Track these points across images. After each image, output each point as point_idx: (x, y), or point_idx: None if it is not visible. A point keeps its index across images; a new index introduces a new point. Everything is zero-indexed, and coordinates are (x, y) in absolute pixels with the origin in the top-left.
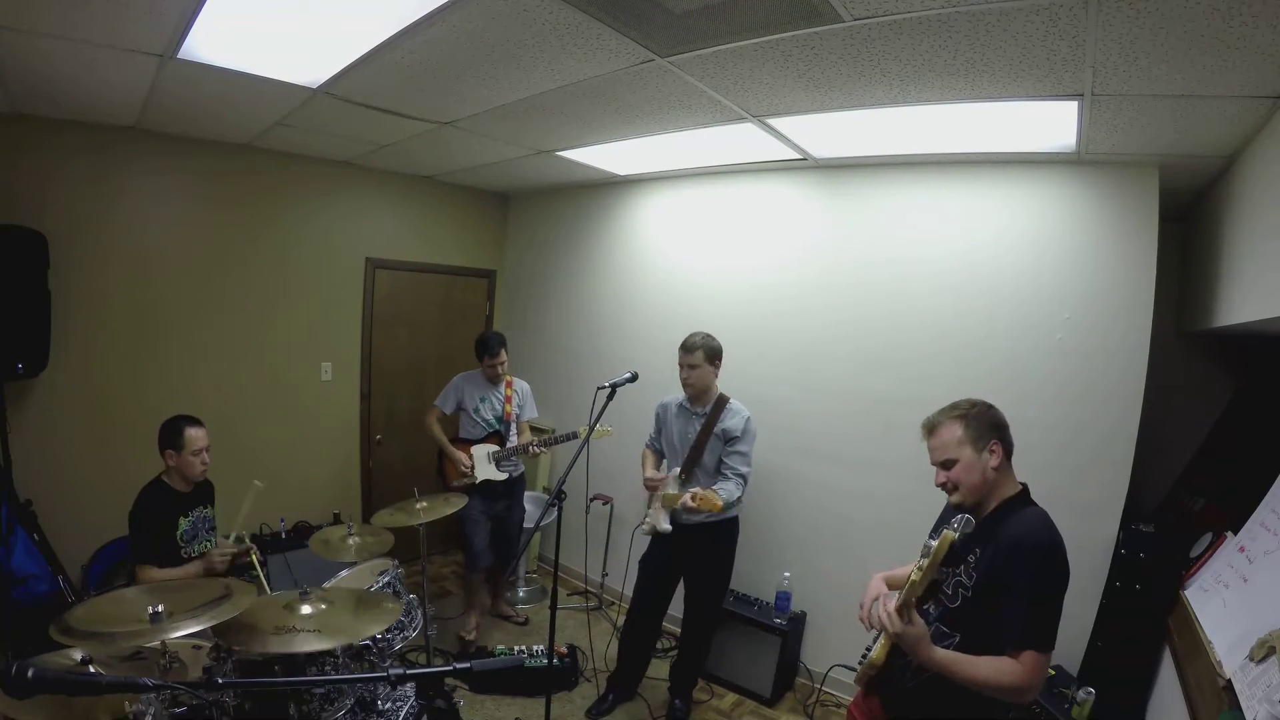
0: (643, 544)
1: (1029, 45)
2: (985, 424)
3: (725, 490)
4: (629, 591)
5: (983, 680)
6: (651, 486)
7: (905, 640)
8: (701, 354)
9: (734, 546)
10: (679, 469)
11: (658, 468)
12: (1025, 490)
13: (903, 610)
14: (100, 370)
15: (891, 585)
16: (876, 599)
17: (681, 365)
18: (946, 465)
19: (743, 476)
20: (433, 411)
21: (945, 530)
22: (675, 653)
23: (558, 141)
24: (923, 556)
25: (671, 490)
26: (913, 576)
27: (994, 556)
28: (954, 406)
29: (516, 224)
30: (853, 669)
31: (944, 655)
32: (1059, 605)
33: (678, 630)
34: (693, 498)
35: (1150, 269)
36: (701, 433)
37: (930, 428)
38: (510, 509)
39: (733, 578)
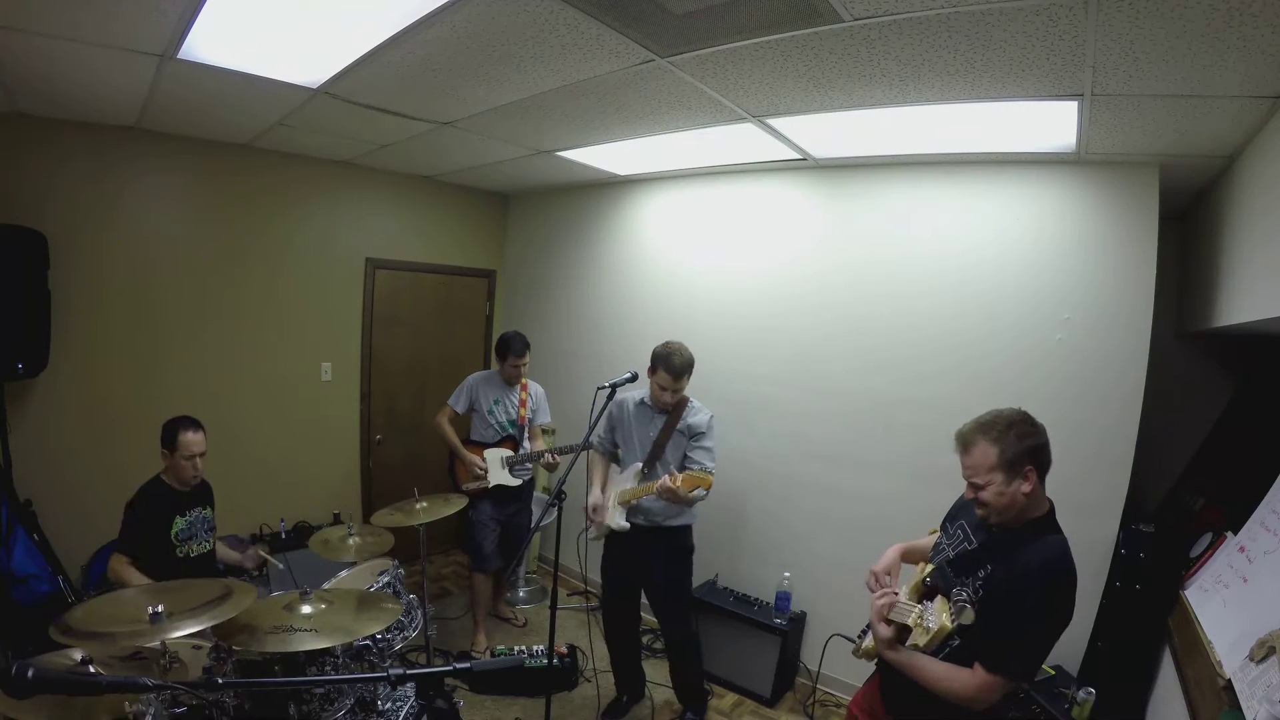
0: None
1: (1029, 45)
2: (1023, 450)
3: None
4: None
5: (932, 681)
6: (596, 518)
7: (876, 637)
8: (687, 378)
9: (690, 552)
10: (640, 465)
11: (607, 474)
12: (1051, 510)
13: (889, 622)
14: (100, 370)
15: (908, 557)
16: (889, 573)
17: (665, 388)
18: (977, 487)
19: (708, 471)
20: (444, 411)
21: (945, 618)
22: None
23: (557, 141)
24: (934, 552)
25: (629, 486)
26: (909, 620)
27: (1005, 578)
28: (992, 424)
29: (516, 224)
30: (851, 640)
31: (897, 655)
32: (1050, 641)
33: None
34: (673, 478)
35: (1150, 269)
36: (664, 430)
37: (964, 444)
38: (520, 513)
39: (732, 578)
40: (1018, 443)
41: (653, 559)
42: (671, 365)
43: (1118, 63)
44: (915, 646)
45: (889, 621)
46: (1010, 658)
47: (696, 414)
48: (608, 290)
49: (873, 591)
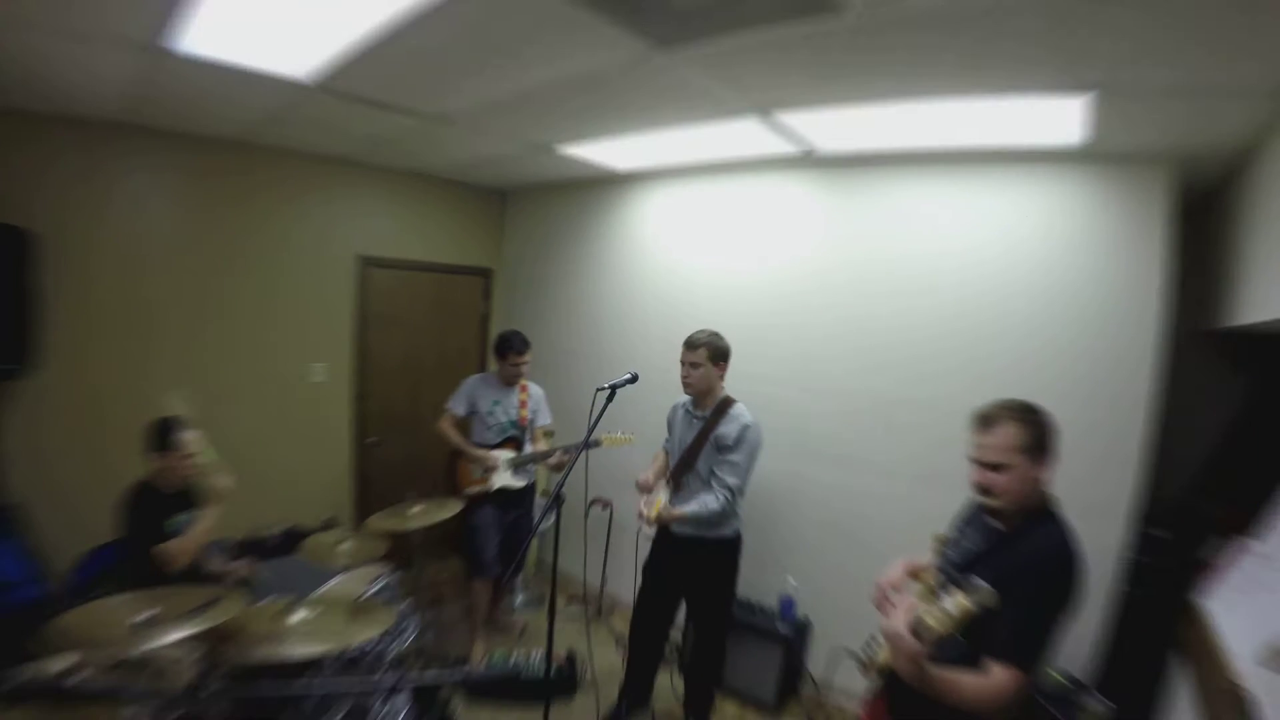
0: (646, 549)
1: (1041, 37)
2: (1044, 433)
3: (699, 501)
4: (629, 598)
5: (963, 692)
6: (642, 488)
7: (901, 653)
8: (705, 352)
9: (733, 567)
10: (669, 474)
11: (665, 472)
12: (1053, 501)
13: (917, 633)
14: (90, 370)
15: (913, 573)
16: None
17: (683, 363)
18: (995, 468)
19: (729, 489)
20: (445, 417)
21: (964, 599)
22: (683, 669)
23: (556, 136)
24: (940, 559)
25: (661, 495)
26: (929, 620)
27: (1010, 572)
28: (1013, 406)
29: (514, 221)
30: (859, 657)
31: (924, 674)
32: (1053, 624)
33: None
34: (648, 505)
35: (1162, 267)
36: (698, 438)
37: (986, 422)
38: (522, 519)
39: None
40: (1040, 427)
41: (693, 568)
42: (688, 338)
43: (1132, 55)
44: (933, 633)
45: (916, 632)
46: (1020, 645)
47: (731, 422)
48: (607, 289)
49: (879, 608)
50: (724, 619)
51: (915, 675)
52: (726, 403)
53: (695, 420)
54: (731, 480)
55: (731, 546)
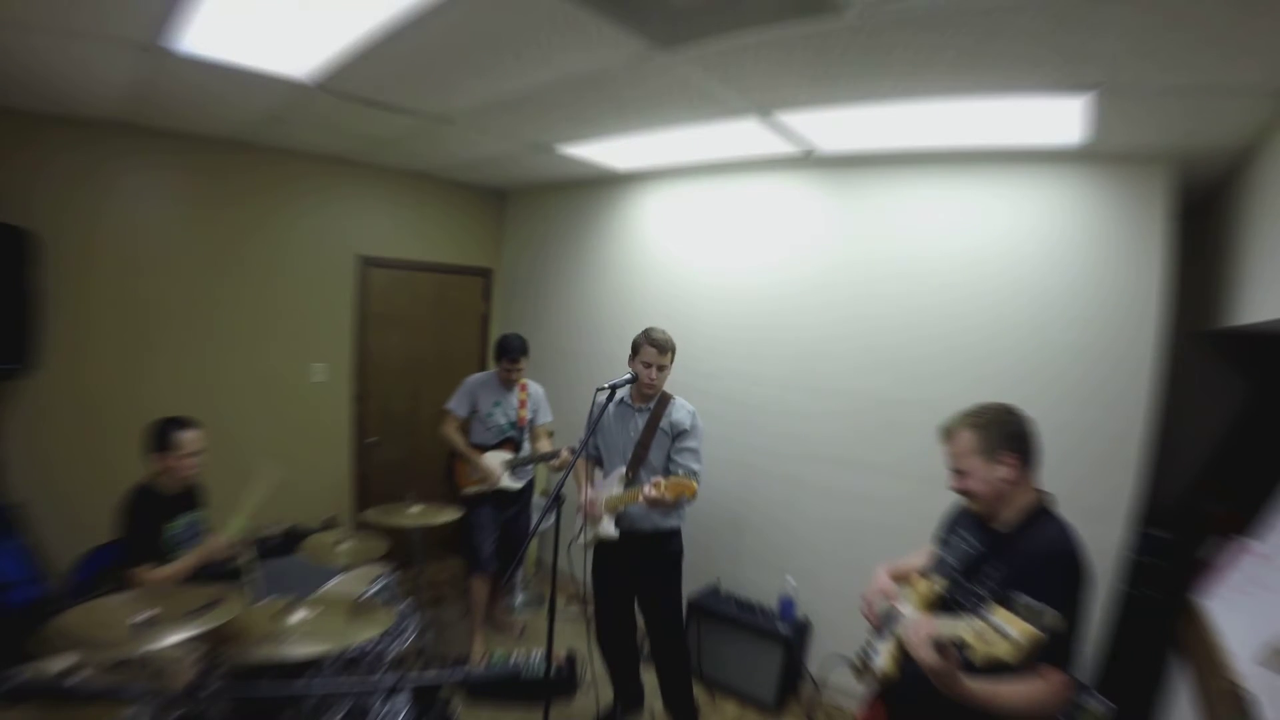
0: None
1: (1041, 37)
2: (1000, 434)
3: None
4: None
5: (1008, 702)
6: (592, 512)
7: (929, 669)
8: (671, 355)
9: (680, 558)
10: (623, 468)
11: (591, 479)
12: (1047, 499)
13: (942, 649)
14: (90, 370)
15: (896, 577)
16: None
17: (650, 364)
18: (959, 473)
19: (694, 474)
20: (450, 420)
21: (1027, 625)
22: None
23: (556, 136)
24: (937, 565)
25: (616, 491)
26: (964, 635)
27: (1015, 575)
28: (971, 413)
29: (514, 221)
30: (853, 663)
31: (979, 689)
32: (1083, 616)
33: None
34: (656, 486)
35: (1163, 267)
36: (646, 429)
37: (947, 433)
38: (520, 516)
39: (734, 583)
40: (996, 429)
41: (640, 567)
42: (654, 338)
43: (1132, 54)
44: (996, 660)
45: (941, 647)
46: (1060, 644)
47: (679, 410)
48: (608, 289)
49: (868, 618)
50: (679, 610)
51: (954, 692)
52: (667, 395)
53: (639, 412)
54: (696, 466)
55: (679, 537)
